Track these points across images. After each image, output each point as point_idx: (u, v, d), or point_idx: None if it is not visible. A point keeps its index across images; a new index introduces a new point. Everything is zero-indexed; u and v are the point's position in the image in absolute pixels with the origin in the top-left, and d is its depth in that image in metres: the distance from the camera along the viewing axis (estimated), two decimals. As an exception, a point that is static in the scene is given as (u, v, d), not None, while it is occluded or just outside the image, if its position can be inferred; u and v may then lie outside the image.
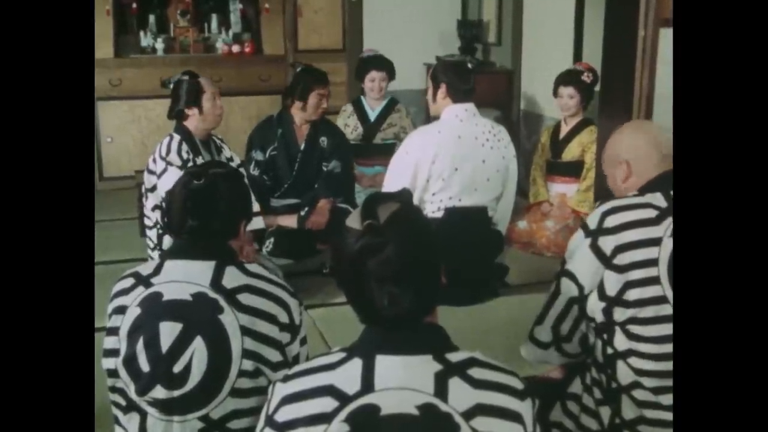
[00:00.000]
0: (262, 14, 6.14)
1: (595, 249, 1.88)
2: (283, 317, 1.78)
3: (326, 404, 1.32)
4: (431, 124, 3.52)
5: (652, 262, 1.83)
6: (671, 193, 1.87)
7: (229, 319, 1.73)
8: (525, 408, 1.37)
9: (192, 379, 1.72)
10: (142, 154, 5.79)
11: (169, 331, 1.73)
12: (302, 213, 4.10)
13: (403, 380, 1.33)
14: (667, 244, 1.82)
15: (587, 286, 1.91)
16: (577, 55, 4.94)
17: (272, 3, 6.06)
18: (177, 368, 1.72)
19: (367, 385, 1.33)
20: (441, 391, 1.32)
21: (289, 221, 4.10)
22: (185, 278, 1.77)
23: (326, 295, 3.56)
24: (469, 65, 3.54)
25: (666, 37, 3.12)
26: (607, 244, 1.86)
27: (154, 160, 3.44)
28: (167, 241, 3.43)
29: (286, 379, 1.40)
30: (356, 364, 1.36)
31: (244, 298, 1.75)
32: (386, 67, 4.77)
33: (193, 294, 1.74)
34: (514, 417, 1.35)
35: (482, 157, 3.40)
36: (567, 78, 4.39)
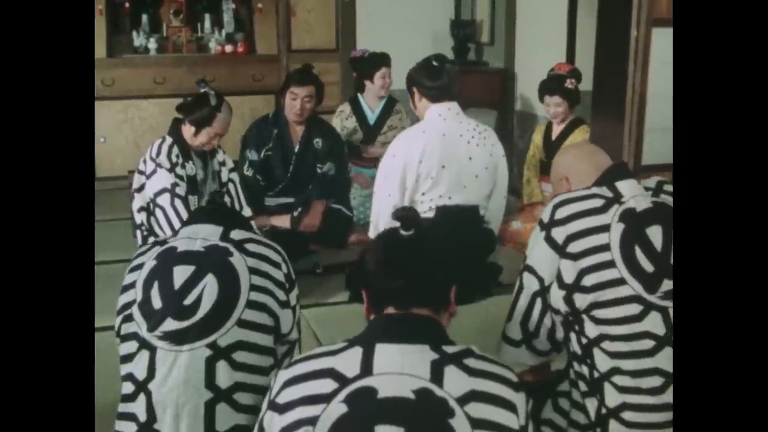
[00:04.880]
0: (255, 14, 6.14)
1: (549, 240, 1.97)
2: (284, 267, 1.96)
3: (326, 385, 1.39)
4: (416, 125, 3.54)
5: (604, 247, 1.91)
6: (615, 185, 1.98)
7: (239, 260, 1.89)
8: (519, 399, 1.43)
9: (202, 309, 1.81)
10: (136, 154, 5.74)
11: (182, 273, 1.85)
12: (295, 214, 4.11)
13: (400, 366, 1.39)
14: (617, 229, 1.92)
15: (546, 277, 1.99)
16: (570, 55, 4.96)
17: (265, 3, 6.06)
18: (188, 301, 1.82)
19: (366, 369, 1.39)
20: (437, 377, 1.38)
21: (282, 221, 4.11)
22: (198, 236, 1.94)
23: (320, 295, 3.57)
24: (434, 63, 3.53)
25: (659, 37, 3.13)
26: (559, 234, 1.96)
27: (144, 161, 3.44)
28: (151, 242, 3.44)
29: (288, 365, 1.48)
30: (356, 351, 1.43)
31: (251, 247, 1.93)
32: (390, 62, 4.75)
33: (206, 246, 1.91)
34: (508, 405, 1.40)
35: (468, 155, 3.41)
36: (551, 86, 4.35)
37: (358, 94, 4.88)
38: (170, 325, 1.80)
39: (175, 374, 1.77)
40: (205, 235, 1.94)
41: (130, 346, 1.83)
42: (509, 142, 5.49)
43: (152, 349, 1.80)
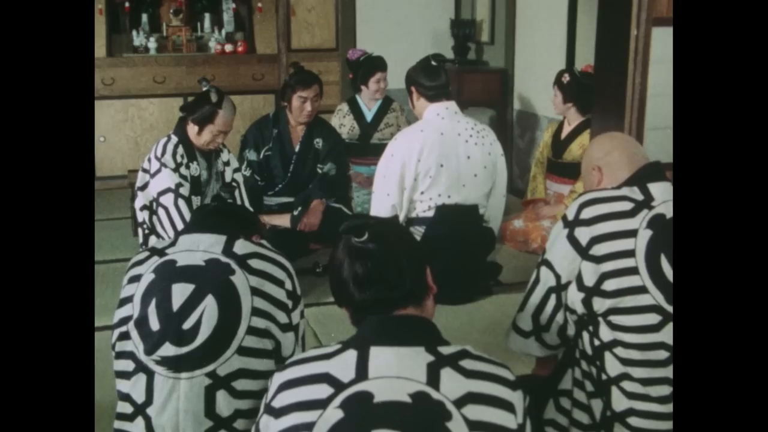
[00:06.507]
0: (255, 13, 6.14)
1: (572, 239, 1.93)
2: (288, 284, 1.87)
3: (321, 390, 1.37)
4: (414, 124, 3.55)
5: (629, 253, 1.87)
6: (647, 186, 1.94)
7: (240, 280, 1.81)
8: (516, 398, 1.41)
9: (201, 335, 1.76)
10: (135, 153, 5.79)
11: (180, 292, 1.79)
12: (295, 213, 4.11)
13: (396, 370, 1.37)
14: (644, 235, 1.88)
15: (564, 275, 1.95)
16: (570, 55, 4.96)
17: (265, 2, 6.06)
18: (186, 325, 1.77)
19: (362, 374, 1.37)
20: (433, 380, 1.37)
21: (282, 221, 4.10)
22: (199, 247, 1.86)
23: (320, 294, 3.57)
24: (433, 62, 3.54)
25: (659, 36, 3.14)
26: (583, 235, 1.91)
27: (149, 160, 3.43)
28: (152, 240, 3.44)
29: (283, 367, 1.46)
30: (351, 355, 1.41)
31: (254, 263, 1.85)
32: (386, 66, 4.76)
33: (206, 260, 1.84)
34: (506, 405, 1.39)
35: (466, 154, 3.42)
36: (555, 78, 4.49)
37: (356, 95, 4.90)
38: (168, 350, 1.76)
39: (174, 402, 1.75)
40: (206, 246, 1.86)
41: (126, 365, 1.81)
42: (509, 142, 5.49)
43: (150, 373, 1.77)
